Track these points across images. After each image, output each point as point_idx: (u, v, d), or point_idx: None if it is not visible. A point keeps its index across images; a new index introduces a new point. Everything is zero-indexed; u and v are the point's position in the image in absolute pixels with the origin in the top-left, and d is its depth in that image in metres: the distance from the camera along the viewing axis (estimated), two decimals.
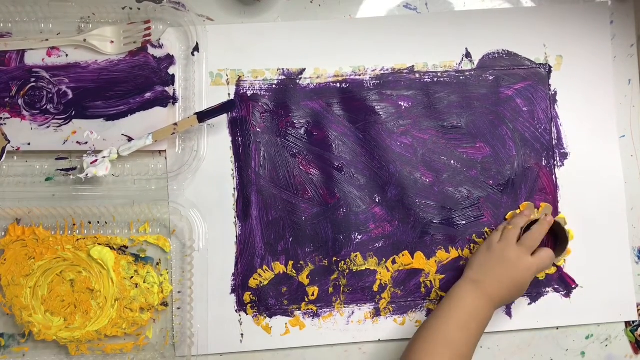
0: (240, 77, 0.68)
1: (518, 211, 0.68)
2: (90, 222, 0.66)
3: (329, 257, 0.67)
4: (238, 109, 0.68)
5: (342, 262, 0.67)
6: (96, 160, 0.64)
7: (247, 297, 0.67)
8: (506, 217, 0.68)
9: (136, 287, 0.65)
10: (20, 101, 0.66)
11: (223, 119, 0.68)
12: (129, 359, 0.65)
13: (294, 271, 0.67)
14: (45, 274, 0.64)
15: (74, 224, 0.66)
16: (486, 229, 0.68)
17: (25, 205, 0.65)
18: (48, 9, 0.66)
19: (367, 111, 0.68)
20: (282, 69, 0.68)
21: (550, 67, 0.70)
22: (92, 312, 0.64)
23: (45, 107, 0.66)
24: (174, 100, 0.67)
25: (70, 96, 0.66)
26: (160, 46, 0.67)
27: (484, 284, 0.61)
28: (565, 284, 0.69)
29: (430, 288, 0.68)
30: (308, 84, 0.68)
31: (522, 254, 0.62)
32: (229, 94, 0.68)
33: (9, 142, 0.65)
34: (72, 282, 0.64)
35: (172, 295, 0.66)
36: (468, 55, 0.69)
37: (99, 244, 0.65)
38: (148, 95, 0.66)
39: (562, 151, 0.69)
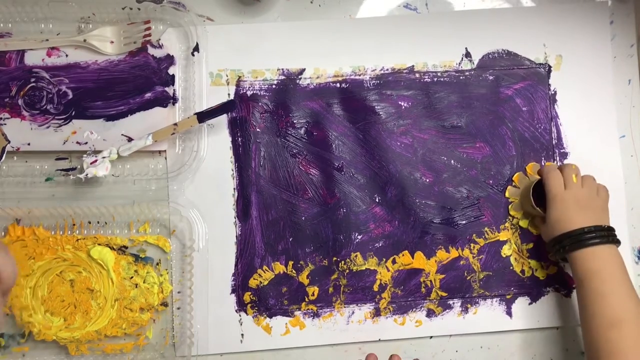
0: (240, 77, 0.68)
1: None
2: (90, 222, 0.66)
3: (329, 257, 0.67)
4: (238, 109, 0.68)
5: (342, 262, 0.67)
6: (96, 161, 0.64)
7: (247, 297, 0.67)
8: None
9: (136, 287, 0.65)
10: (20, 101, 0.66)
11: (223, 119, 0.68)
12: (129, 359, 0.65)
13: (294, 271, 0.67)
14: (45, 274, 0.64)
15: (74, 224, 0.66)
16: (486, 228, 0.68)
17: (25, 205, 0.65)
18: (48, 9, 0.66)
19: (367, 111, 0.68)
20: (282, 69, 0.68)
21: (549, 66, 0.70)
22: (92, 312, 0.64)
23: (45, 107, 0.66)
24: (174, 100, 0.67)
25: (70, 96, 0.66)
26: (160, 46, 0.67)
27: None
28: (565, 283, 0.68)
29: (431, 288, 0.68)
30: (308, 84, 0.68)
31: (595, 194, 0.64)
32: (228, 94, 0.68)
33: (9, 142, 0.65)
34: (72, 282, 0.64)
35: (172, 295, 0.66)
36: (468, 55, 0.69)
37: (99, 244, 0.65)
38: (148, 95, 0.66)
39: (562, 151, 0.69)
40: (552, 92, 0.70)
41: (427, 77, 0.69)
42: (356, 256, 0.67)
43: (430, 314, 0.68)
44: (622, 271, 0.60)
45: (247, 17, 0.69)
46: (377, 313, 0.68)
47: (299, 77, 0.68)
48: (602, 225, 0.62)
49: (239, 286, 0.67)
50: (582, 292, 0.60)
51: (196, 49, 0.67)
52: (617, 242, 0.62)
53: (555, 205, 0.63)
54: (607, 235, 0.61)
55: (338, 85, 0.68)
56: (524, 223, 0.68)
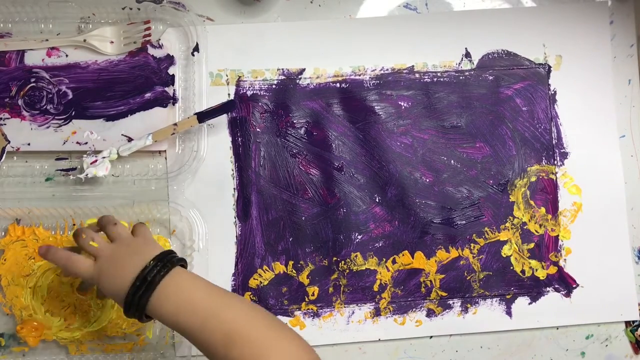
0: (240, 77, 0.68)
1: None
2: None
3: (329, 257, 0.67)
4: (238, 109, 0.68)
5: (342, 262, 0.67)
6: (96, 161, 0.64)
7: (248, 297, 0.67)
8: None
9: None
10: (20, 101, 0.66)
11: (223, 119, 0.68)
12: (129, 359, 0.65)
13: (294, 271, 0.67)
14: (45, 274, 0.64)
15: (74, 224, 0.66)
16: (486, 228, 0.68)
17: (25, 205, 0.65)
18: (48, 9, 0.66)
19: (366, 111, 0.68)
20: (282, 69, 0.68)
21: (549, 66, 0.70)
22: (92, 313, 0.64)
23: (45, 107, 0.66)
24: (174, 100, 0.67)
25: (70, 96, 0.66)
26: (160, 46, 0.67)
27: None
28: (565, 283, 0.69)
29: (430, 288, 0.68)
30: (308, 84, 0.68)
31: None
32: (228, 94, 0.68)
33: (9, 142, 0.65)
34: (72, 283, 0.64)
35: None
36: (468, 55, 0.69)
37: None
38: (148, 95, 0.66)
39: (562, 151, 0.69)
40: (552, 92, 0.70)
41: (427, 77, 0.69)
42: (356, 256, 0.67)
43: (430, 313, 0.68)
44: (204, 286, 0.53)
45: (247, 17, 0.69)
46: (377, 313, 0.68)
47: (299, 77, 0.68)
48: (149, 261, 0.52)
49: (239, 286, 0.67)
50: (191, 339, 0.51)
51: (196, 49, 0.67)
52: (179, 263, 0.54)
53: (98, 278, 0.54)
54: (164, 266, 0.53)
55: (338, 85, 0.69)
56: None
